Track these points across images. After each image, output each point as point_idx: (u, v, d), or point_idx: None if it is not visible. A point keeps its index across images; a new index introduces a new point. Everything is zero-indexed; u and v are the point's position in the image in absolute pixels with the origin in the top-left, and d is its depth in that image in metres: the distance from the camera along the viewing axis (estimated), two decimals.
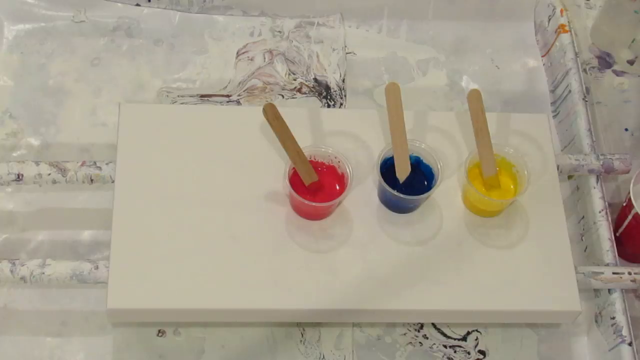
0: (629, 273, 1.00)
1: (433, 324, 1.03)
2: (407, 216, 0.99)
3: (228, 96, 1.17)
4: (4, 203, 1.06)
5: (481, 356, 1.02)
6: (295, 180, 0.94)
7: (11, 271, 0.93)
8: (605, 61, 1.25)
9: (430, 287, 0.95)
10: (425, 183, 0.98)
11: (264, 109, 0.93)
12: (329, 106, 1.17)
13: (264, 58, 1.21)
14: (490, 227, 0.99)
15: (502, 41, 1.27)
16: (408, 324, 1.03)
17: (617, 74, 1.24)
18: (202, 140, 1.01)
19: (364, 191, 1.00)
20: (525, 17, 1.28)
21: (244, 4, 1.23)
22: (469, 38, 1.26)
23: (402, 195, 0.94)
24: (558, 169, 1.04)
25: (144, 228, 0.95)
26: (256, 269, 0.94)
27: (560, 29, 1.21)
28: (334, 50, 1.22)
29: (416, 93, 1.20)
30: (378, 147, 0.99)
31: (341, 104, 1.18)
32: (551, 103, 1.21)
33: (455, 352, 1.02)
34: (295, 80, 1.19)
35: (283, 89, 1.18)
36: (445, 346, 1.02)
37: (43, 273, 0.93)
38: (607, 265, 1.02)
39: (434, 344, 1.02)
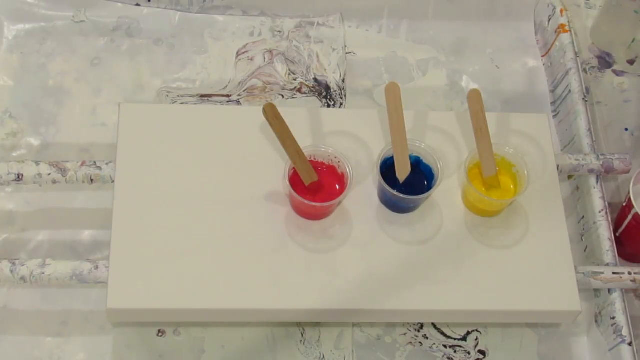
0: (629, 273, 1.00)
1: (433, 324, 1.03)
2: (407, 216, 0.99)
3: (228, 96, 1.17)
4: (4, 203, 1.06)
5: (481, 356, 1.02)
6: (295, 180, 0.94)
7: (11, 271, 0.93)
8: (605, 61, 1.25)
9: (430, 287, 0.95)
10: (425, 183, 0.98)
11: (264, 109, 0.93)
12: (329, 106, 1.17)
13: (264, 58, 1.21)
14: (490, 227, 0.99)
15: (502, 41, 1.27)
16: (408, 324, 1.03)
17: (617, 74, 1.24)
18: (202, 140, 1.01)
19: (364, 191, 1.00)
20: (525, 17, 1.28)
21: (244, 4, 1.23)
22: (469, 38, 1.26)
23: (402, 195, 0.94)
24: (558, 169, 1.04)
25: (144, 228, 0.95)
26: (256, 269, 0.94)
27: (560, 29, 1.21)
28: (334, 50, 1.22)
29: (416, 93, 1.20)
30: (378, 147, 0.99)
31: (341, 104, 1.18)
32: (551, 103, 1.21)
33: (455, 352, 1.02)
34: (295, 80, 1.19)
35: (283, 89, 1.18)
36: (445, 346, 1.02)
37: (43, 273, 0.93)
38: (607, 265, 1.02)
39: (434, 344, 1.02)
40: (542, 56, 1.25)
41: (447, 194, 1.00)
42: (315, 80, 1.20)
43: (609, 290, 1.01)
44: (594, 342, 1.03)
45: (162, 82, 1.18)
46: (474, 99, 0.99)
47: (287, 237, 0.96)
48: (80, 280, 0.94)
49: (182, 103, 1.16)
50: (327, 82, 1.19)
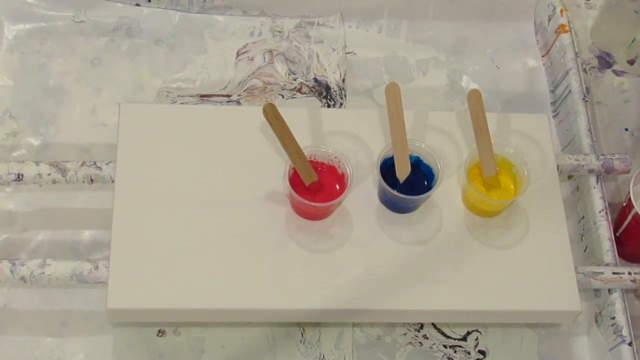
0: (629, 273, 1.00)
1: (433, 324, 1.03)
2: (407, 216, 0.99)
3: (228, 96, 1.17)
4: (4, 203, 1.06)
5: (481, 356, 1.02)
6: (295, 180, 0.94)
7: (11, 271, 0.93)
8: (605, 61, 1.25)
9: (430, 287, 0.95)
10: (425, 183, 0.98)
11: (264, 109, 0.93)
12: (329, 106, 1.17)
13: (264, 58, 1.21)
14: (490, 227, 0.99)
15: (502, 41, 1.27)
16: (408, 324, 1.03)
17: (617, 74, 1.24)
18: (202, 140, 1.01)
19: (364, 191, 1.00)
20: (525, 17, 1.28)
21: (244, 4, 1.23)
22: (469, 38, 1.26)
23: (402, 195, 0.94)
24: (558, 169, 1.04)
25: (144, 228, 0.95)
26: (256, 269, 0.94)
27: (560, 29, 1.21)
28: (334, 50, 1.22)
29: (416, 93, 1.20)
30: (378, 147, 0.99)
31: (341, 104, 1.18)
32: (551, 103, 1.21)
33: (455, 352, 1.02)
34: (295, 80, 1.19)
35: (283, 89, 1.18)
36: (445, 346, 1.02)
37: (43, 273, 0.93)
38: (607, 265, 1.02)
39: (434, 344, 1.02)
40: (542, 56, 1.25)
41: (447, 194, 1.00)
42: (315, 80, 1.20)
43: (609, 290, 1.01)
44: (594, 342, 1.03)
45: (162, 82, 1.18)
46: (474, 99, 0.99)
47: (287, 237, 0.96)
48: (80, 280, 0.94)
49: (182, 103, 1.16)
50: (327, 82, 1.19)
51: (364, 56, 1.23)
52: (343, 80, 1.20)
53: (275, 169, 0.98)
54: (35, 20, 1.20)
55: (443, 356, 1.01)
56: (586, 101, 1.14)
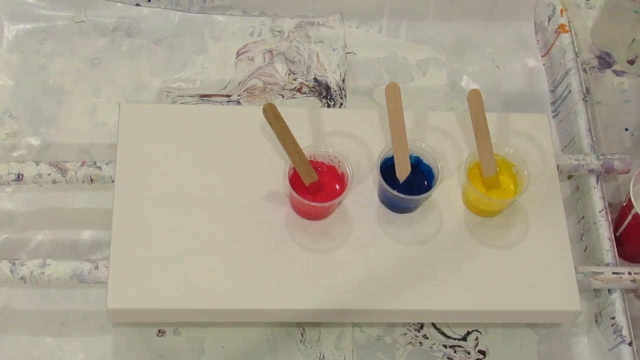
0: (629, 273, 1.00)
1: (433, 324, 1.03)
2: (407, 216, 0.99)
3: (228, 96, 1.17)
4: (4, 203, 1.06)
5: (481, 356, 1.02)
6: (295, 180, 0.94)
7: (11, 271, 0.93)
8: (605, 61, 1.25)
9: (430, 287, 0.95)
10: (425, 183, 0.98)
11: (264, 109, 0.93)
12: (329, 106, 1.17)
13: (264, 58, 1.21)
14: (490, 227, 0.99)
15: (502, 41, 1.27)
16: (408, 324, 1.03)
17: (617, 74, 1.24)
18: (202, 140, 1.01)
19: (364, 191, 1.00)
20: (525, 17, 1.28)
21: (244, 4, 1.23)
22: (469, 38, 1.26)
23: (402, 195, 0.94)
24: (558, 169, 1.04)
25: (144, 228, 0.95)
26: (256, 269, 0.94)
27: (560, 29, 1.21)
28: (334, 50, 1.22)
29: (416, 93, 1.20)
30: (378, 147, 0.99)
31: (341, 104, 1.18)
32: (551, 103, 1.21)
33: (455, 352, 1.02)
34: (295, 80, 1.19)
35: (283, 89, 1.18)
36: (445, 346, 1.02)
37: (43, 273, 0.93)
38: (607, 265, 1.02)
39: (434, 344, 1.02)
40: (542, 56, 1.25)
41: (447, 194, 1.00)
42: (315, 80, 1.20)
43: (609, 290, 1.01)
44: (594, 342, 1.03)
45: (162, 82, 1.18)
46: (474, 99, 0.99)
47: (287, 237, 0.96)
48: (80, 280, 0.94)
49: (182, 103, 1.16)
50: (327, 82, 1.19)
51: (364, 56, 1.23)
52: (343, 80, 1.20)
53: (275, 169, 0.98)
54: (35, 20, 1.20)
55: (443, 356, 1.01)
56: (586, 101, 1.14)
